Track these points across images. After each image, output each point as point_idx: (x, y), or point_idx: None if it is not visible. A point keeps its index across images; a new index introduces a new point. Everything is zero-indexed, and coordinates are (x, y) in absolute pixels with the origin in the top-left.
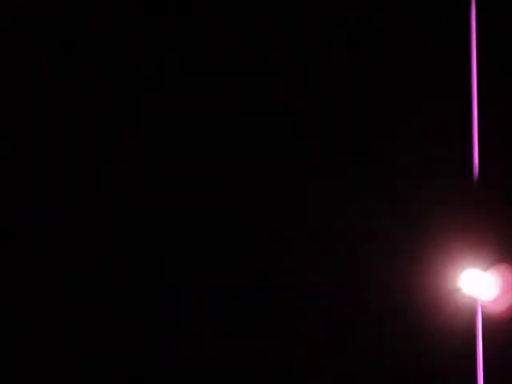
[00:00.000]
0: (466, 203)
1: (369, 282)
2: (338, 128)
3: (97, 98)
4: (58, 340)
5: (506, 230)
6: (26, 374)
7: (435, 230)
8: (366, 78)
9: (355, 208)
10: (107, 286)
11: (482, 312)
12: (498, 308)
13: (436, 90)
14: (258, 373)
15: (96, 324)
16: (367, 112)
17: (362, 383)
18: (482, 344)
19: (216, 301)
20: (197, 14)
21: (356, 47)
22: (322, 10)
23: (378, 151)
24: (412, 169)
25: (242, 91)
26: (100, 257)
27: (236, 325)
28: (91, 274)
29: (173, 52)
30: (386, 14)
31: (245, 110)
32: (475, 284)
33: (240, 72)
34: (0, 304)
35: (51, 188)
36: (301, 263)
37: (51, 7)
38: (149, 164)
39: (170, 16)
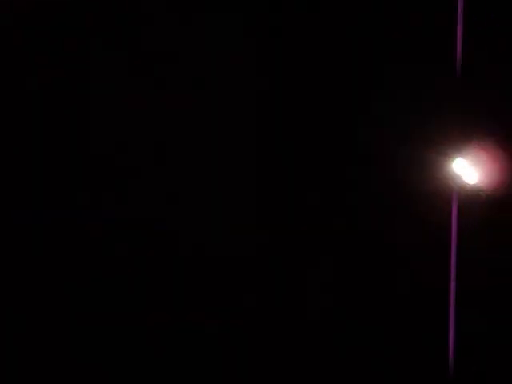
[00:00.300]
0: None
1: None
2: None
3: (97, 98)
4: (59, 340)
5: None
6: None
7: (422, 124)
8: None
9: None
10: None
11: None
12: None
13: None
14: None
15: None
16: None
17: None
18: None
19: None
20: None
21: None
22: None
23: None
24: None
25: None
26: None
27: None
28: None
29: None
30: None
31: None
32: (465, 172)
33: None
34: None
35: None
36: None
37: (51, 7)
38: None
39: None
